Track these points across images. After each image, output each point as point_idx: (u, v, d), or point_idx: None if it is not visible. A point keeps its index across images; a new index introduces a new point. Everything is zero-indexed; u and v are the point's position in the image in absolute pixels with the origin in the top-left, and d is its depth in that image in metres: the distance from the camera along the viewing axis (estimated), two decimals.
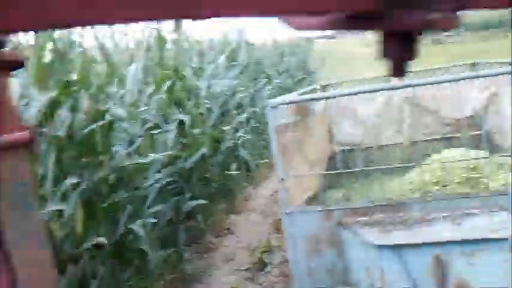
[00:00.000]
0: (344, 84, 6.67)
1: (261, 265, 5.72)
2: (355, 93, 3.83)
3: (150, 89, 5.25)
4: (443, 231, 3.18)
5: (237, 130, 8.38)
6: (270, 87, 11.53)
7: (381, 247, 3.15)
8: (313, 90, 5.99)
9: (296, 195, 3.89)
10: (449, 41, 46.47)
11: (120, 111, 4.67)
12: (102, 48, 4.99)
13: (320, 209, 3.76)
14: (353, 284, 3.59)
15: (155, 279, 5.03)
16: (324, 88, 6.71)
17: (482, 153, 4.75)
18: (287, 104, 3.95)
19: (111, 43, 5.77)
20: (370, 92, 3.84)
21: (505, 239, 2.95)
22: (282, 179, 3.77)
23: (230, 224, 7.52)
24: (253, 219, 7.68)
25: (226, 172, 7.69)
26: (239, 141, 8.33)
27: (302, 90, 5.65)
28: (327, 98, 4.15)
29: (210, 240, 6.67)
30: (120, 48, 5.66)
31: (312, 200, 4.18)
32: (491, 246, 2.98)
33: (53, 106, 3.65)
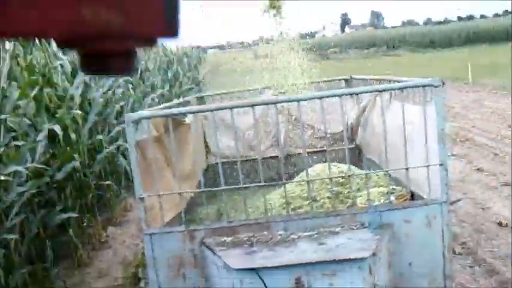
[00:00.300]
0: (223, 96, 6.70)
1: (135, 280, 5.57)
2: (220, 109, 3.73)
3: (15, 95, 4.92)
4: (307, 251, 3.15)
5: (116, 139, 8.12)
6: (154, 95, 11.35)
7: (241, 270, 3.05)
8: (187, 103, 5.91)
9: (160, 214, 3.67)
10: (338, 57, 49.15)
11: None
12: None
13: (182, 228, 3.59)
14: None
15: None
16: (199, 100, 6.70)
17: (352, 168, 4.79)
18: (148, 118, 3.70)
19: None
20: (239, 107, 3.74)
21: (364, 258, 2.97)
22: (142, 198, 3.55)
23: (107, 237, 7.26)
24: (132, 231, 7.47)
25: (103, 183, 7.42)
26: (119, 150, 8.09)
27: (175, 101, 5.55)
28: (191, 112, 4.02)
29: (84, 255, 6.38)
30: None
31: (179, 218, 3.98)
32: (351, 266, 2.98)
33: None
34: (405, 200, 3.94)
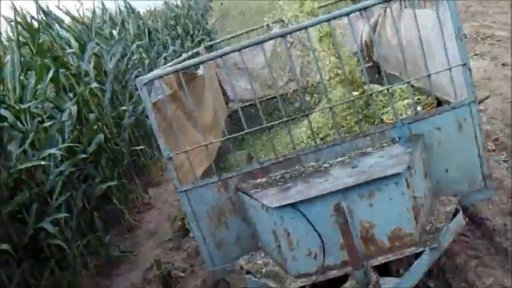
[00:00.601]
0: (232, 40, 6.67)
1: (184, 232, 5.82)
2: (229, 52, 3.55)
3: (32, 81, 5.06)
4: (341, 177, 3.09)
5: (139, 103, 8.27)
6: (166, 54, 11.38)
7: (279, 208, 3.01)
8: (196, 54, 5.82)
9: (191, 169, 3.70)
10: None
11: (6, 112, 4.50)
12: None
13: (215, 179, 3.62)
14: (262, 249, 3.53)
15: (78, 270, 5.01)
16: (209, 49, 6.68)
17: (373, 86, 4.73)
18: (159, 77, 3.65)
19: None
20: (246, 47, 3.52)
21: (400, 173, 2.89)
22: (169, 157, 3.58)
23: (150, 198, 7.54)
24: (172, 188, 7.70)
25: (135, 148, 7.63)
26: (143, 113, 8.24)
27: (183, 56, 5.54)
28: (200, 63, 3.95)
29: (130, 219, 6.68)
30: None
31: (210, 170, 4.00)
32: (387, 183, 2.91)
33: None
34: (432, 107, 3.88)
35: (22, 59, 5.28)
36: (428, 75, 3.46)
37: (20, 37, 5.67)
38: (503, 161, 5.20)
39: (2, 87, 4.78)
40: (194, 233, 3.76)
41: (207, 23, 20.83)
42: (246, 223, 3.62)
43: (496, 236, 3.93)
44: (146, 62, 9.91)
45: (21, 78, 5.10)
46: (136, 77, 8.85)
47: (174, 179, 3.61)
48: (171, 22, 15.89)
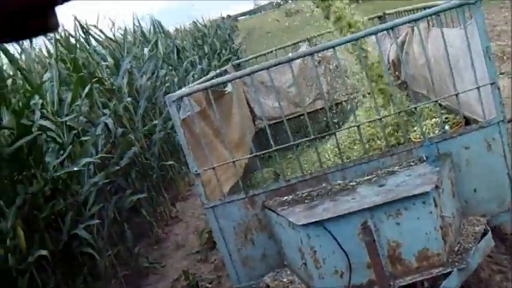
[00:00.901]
0: (259, 59, 6.78)
1: (211, 244, 5.93)
2: (257, 70, 3.59)
3: (69, 96, 5.29)
4: (368, 195, 3.07)
5: (169, 119, 8.47)
6: (194, 72, 11.63)
7: (306, 226, 3.00)
8: (224, 72, 5.90)
9: (218, 186, 3.71)
10: None
11: (47, 123, 4.71)
12: (12, 61, 4.97)
13: (242, 196, 3.62)
14: (288, 267, 3.51)
15: (108, 278, 5.15)
16: (237, 67, 6.79)
17: (400, 105, 4.56)
18: (188, 95, 3.72)
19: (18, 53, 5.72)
20: (275, 65, 3.56)
21: (427, 193, 2.87)
22: (197, 174, 3.61)
23: (177, 212, 7.69)
24: (199, 203, 7.83)
25: (164, 162, 7.82)
26: (173, 129, 8.43)
27: (212, 73, 5.65)
28: (228, 81, 3.95)
29: (159, 231, 6.83)
30: (29, 57, 5.60)
31: (237, 187, 4.01)
32: (415, 203, 2.89)
33: None
34: (460, 126, 3.79)
35: (59, 74, 5.52)
36: (456, 94, 3.44)
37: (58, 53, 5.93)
38: None
39: (41, 101, 5.00)
40: (220, 249, 3.77)
41: (233, 42, 21.19)
42: (272, 240, 3.62)
43: None
44: (175, 79, 10.16)
45: (59, 92, 5.32)
46: (166, 93, 9.12)
47: (201, 195, 3.64)
48: (199, 41, 16.21)
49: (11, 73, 5.13)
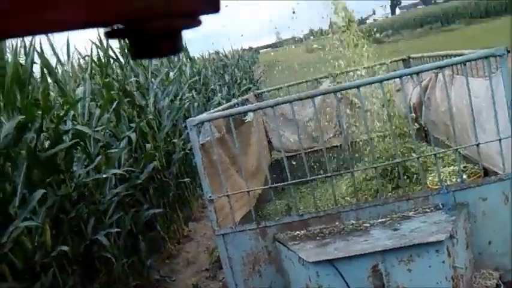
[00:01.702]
0: (280, 91, 6.96)
1: (220, 263, 6.11)
2: (282, 103, 3.66)
3: (98, 110, 5.61)
4: (381, 238, 3.04)
5: (188, 141, 8.76)
6: (216, 98, 11.99)
7: (316, 263, 2.99)
8: (246, 101, 6.05)
9: (231, 213, 3.71)
10: (388, 40, 48.44)
11: (84, 128, 5.01)
12: (50, 72, 5.31)
13: (254, 226, 3.61)
14: None
15: (122, 286, 5.36)
16: (258, 96, 6.98)
17: (420, 147, 4.67)
18: (209, 120, 3.76)
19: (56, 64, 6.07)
20: (299, 99, 3.64)
21: (442, 241, 2.84)
22: (211, 200, 3.62)
23: (189, 231, 7.91)
24: (210, 225, 8.06)
25: (181, 180, 8.07)
26: (191, 151, 8.71)
27: (233, 102, 5.72)
28: (250, 110, 3.99)
29: (171, 247, 7.04)
30: (66, 69, 5.96)
31: (249, 216, 4.00)
32: (428, 250, 2.86)
33: (20, 129, 3.96)
34: (478, 177, 3.78)
35: (92, 88, 5.88)
36: (477, 145, 3.42)
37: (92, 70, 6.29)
38: None
39: (73, 113, 5.31)
40: (227, 278, 3.77)
41: (253, 73, 21.66)
42: (279, 274, 3.59)
43: None
44: (195, 104, 10.51)
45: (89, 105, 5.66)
46: (186, 117, 9.45)
47: (213, 221, 3.66)
48: (220, 70, 16.67)
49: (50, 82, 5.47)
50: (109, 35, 0.53)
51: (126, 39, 0.55)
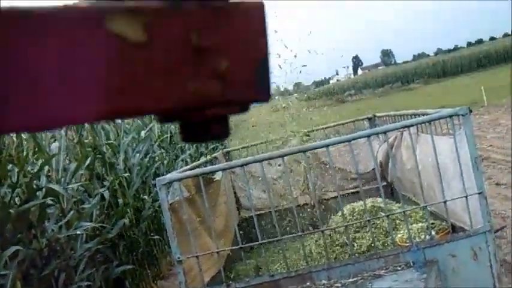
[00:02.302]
0: (248, 149, 7.06)
1: None
2: (249, 163, 3.69)
3: (72, 166, 5.71)
4: None
5: (157, 199, 8.82)
6: (184, 155, 12.15)
7: None
8: (215, 159, 6.09)
9: (200, 275, 3.62)
10: (354, 99, 49.80)
11: (56, 187, 5.08)
12: None
13: None
14: None
15: None
16: (226, 155, 7.01)
17: (388, 205, 4.55)
18: (179, 179, 3.72)
19: None
20: (269, 158, 3.72)
21: None
22: (180, 260, 3.53)
23: None
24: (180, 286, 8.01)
25: (151, 237, 8.09)
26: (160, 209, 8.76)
27: (202, 160, 5.77)
28: (220, 170, 3.95)
29: None
30: None
31: (218, 277, 3.90)
32: None
33: None
34: (447, 233, 3.79)
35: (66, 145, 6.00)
36: (444, 202, 3.46)
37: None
38: None
39: (48, 168, 5.40)
40: None
41: None
42: None
43: None
44: (165, 162, 10.63)
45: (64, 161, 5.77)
46: (157, 174, 9.54)
47: (181, 282, 3.56)
48: None
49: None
50: (161, 120, 0.54)
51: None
